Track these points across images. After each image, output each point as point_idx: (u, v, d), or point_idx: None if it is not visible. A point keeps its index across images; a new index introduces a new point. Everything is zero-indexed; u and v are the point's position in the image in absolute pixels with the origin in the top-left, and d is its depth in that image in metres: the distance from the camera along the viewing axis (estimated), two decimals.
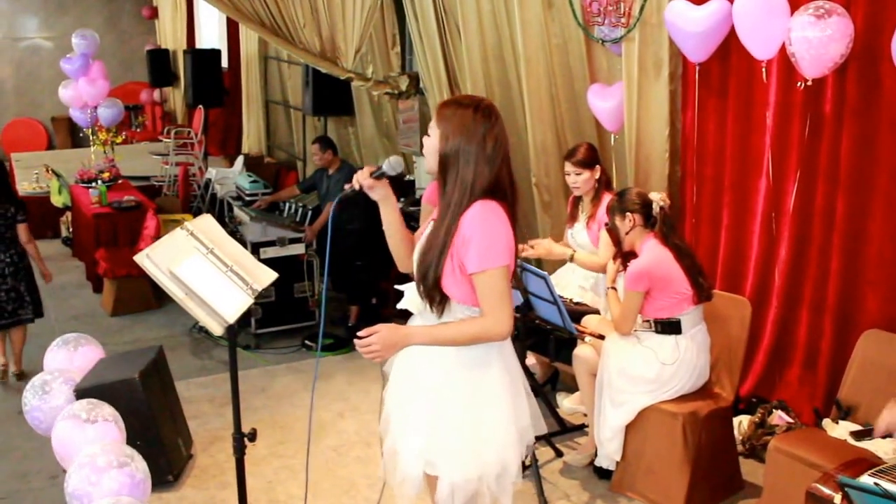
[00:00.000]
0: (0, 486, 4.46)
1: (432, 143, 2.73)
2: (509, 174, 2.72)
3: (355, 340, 2.73)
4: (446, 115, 2.70)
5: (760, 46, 4.22)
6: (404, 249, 2.95)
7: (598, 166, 4.86)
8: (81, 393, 4.04)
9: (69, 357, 4.36)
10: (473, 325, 2.68)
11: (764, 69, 4.29)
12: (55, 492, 4.35)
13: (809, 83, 4.05)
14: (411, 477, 2.80)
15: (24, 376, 5.74)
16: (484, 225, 2.62)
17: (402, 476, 2.83)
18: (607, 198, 4.60)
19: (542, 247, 4.92)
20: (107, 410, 3.76)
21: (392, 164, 2.85)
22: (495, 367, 2.78)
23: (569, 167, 4.86)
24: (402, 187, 7.44)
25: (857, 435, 3.68)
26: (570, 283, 5.00)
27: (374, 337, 2.69)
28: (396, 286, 2.99)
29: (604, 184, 4.90)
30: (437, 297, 2.70)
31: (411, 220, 5.67)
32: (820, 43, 3.86)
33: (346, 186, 2.88)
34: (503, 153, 2.70)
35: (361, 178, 2.81)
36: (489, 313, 2.65)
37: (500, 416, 2.78)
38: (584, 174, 4.82)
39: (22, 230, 5.76)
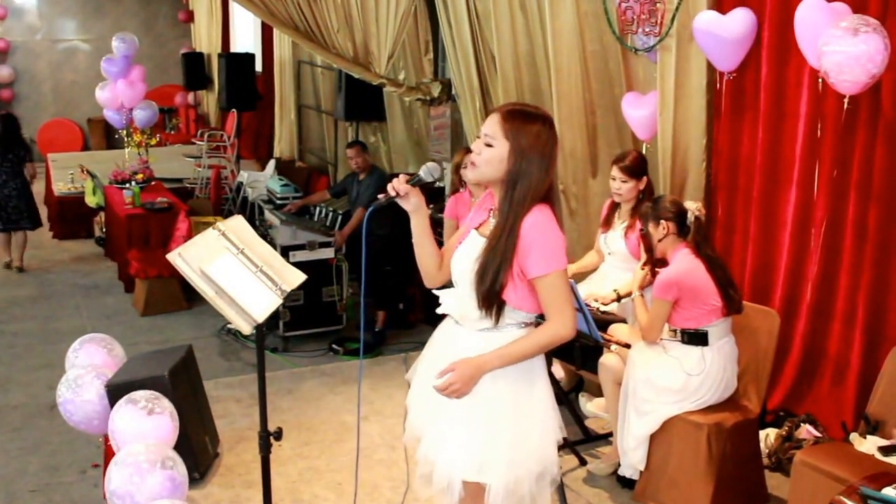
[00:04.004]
0: (31, 479, 4.53)
1: (497, 153, 2.69)
2: (553, 178, 2.78)
3: (434, 387, 2.75)
4: (517, 129, 2.68)
5: (816, 54, 4.15)
6: (433, 263, 2.95)
7: (644, 178, 4.78)
8: (112, 388, 4.12)
9: (91, 355, 4.48)
10: (542, 334, 2.73)
11: (821, 80, 4.19)
12: (85, 486, 4.43)
13: (846, 100, 4.01)
14: (453, 485, 2.82)
15: (23, 271, 8.28)
16: (544, 230, 2.67)
17: (442, 485, 2.83)
18: None
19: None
20: (165, 403, 3.92)
21: (430, 170, 2.84)
22: (539, 370, 2.84)
23: (615, 172, 4.76)
24: (433, 194, 7.47)
25: (886, 450, 3.65)
26: (605, 285, 4.95)
27: (452, 376, 2.73)
28: (434, 290, 2.98)
29: (647, 195, 4.77)
30: (496, 305, 2.72)
31: (440, 227, 5.69)
32: (853, 60, 3.82)
33: (381, 196, 2.84)
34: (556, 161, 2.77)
35: (398, 186, 2.78)
36: (555, 316, 2.70)
37: (545, 419, 2.83)
38: (629, 182, 4.73)
39: (28, 166, 8.19)
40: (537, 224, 2.67)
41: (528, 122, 2.70)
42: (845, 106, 4.06)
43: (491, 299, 2.71)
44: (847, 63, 3.83)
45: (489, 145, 2.70)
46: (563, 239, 2.73)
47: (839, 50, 3.83)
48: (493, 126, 2.71)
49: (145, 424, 3.79)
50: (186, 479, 3.59)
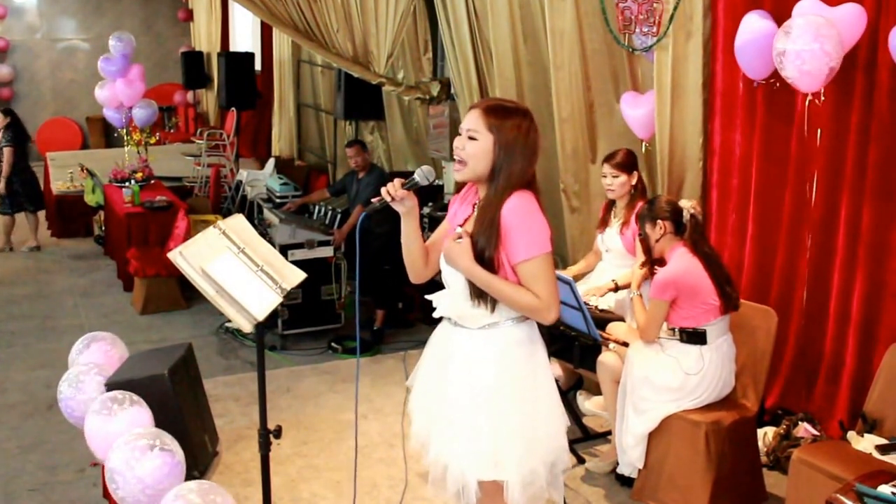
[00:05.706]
0: (30, 478, 4.53)
1: (482, 146, 2.73)
2: (535, 169, 2.82)
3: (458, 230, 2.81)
4: (499, 122, 2.73)
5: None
6: (421, 261, 3.00)
7: (635, 172, 4.86)
8: (112, 386, 4.11)
9: (92, 352, 4.49)
10: (528, 296, 2.71)
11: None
12: (83, 484, 4.43)
13: (810, 97, 4.06)
14: (469, 485, 2.83)
15: (39, 248, 9.10)
16: (524, 214, 2.70)
17: (458, 487, 2.85)
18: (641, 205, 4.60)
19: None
20: (133, 397, 3.91)
21: (425, 174, 2.85)
22: (541, 359, 2.89)
23: (606, 169, 4.86)
24: (431, 192, 7.48)
25: (884, 449, 3.66)
26: (603, 280, 4.96)
27: (466, 240, 2.74)
28: (427, 296, 3.01)
29: (640, 191, 4.88)
30: (488, 294, 2.75)
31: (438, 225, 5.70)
32: (782, 56, 3.88)
33: (375, 200, 2.86)
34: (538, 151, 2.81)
35: (394, 191, 2.79)
36: (541, 297, 2.70)
37: (551, 407, 2.88)
38: (620, 177, 4.81)
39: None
40: (516, 209, 2.70)
41: (508, 115, 2.75)
42: (807, 102, 4.10)
43: (483, 290, 2.74)
44: (780, 59, 3.88)
45: (473, 138, 2.74)
46: (546, 224, 2.75)
47: (781, 48, 3.92)
48: (474, 121, 2.75)
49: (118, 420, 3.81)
50: (184, 460, 3.64)
